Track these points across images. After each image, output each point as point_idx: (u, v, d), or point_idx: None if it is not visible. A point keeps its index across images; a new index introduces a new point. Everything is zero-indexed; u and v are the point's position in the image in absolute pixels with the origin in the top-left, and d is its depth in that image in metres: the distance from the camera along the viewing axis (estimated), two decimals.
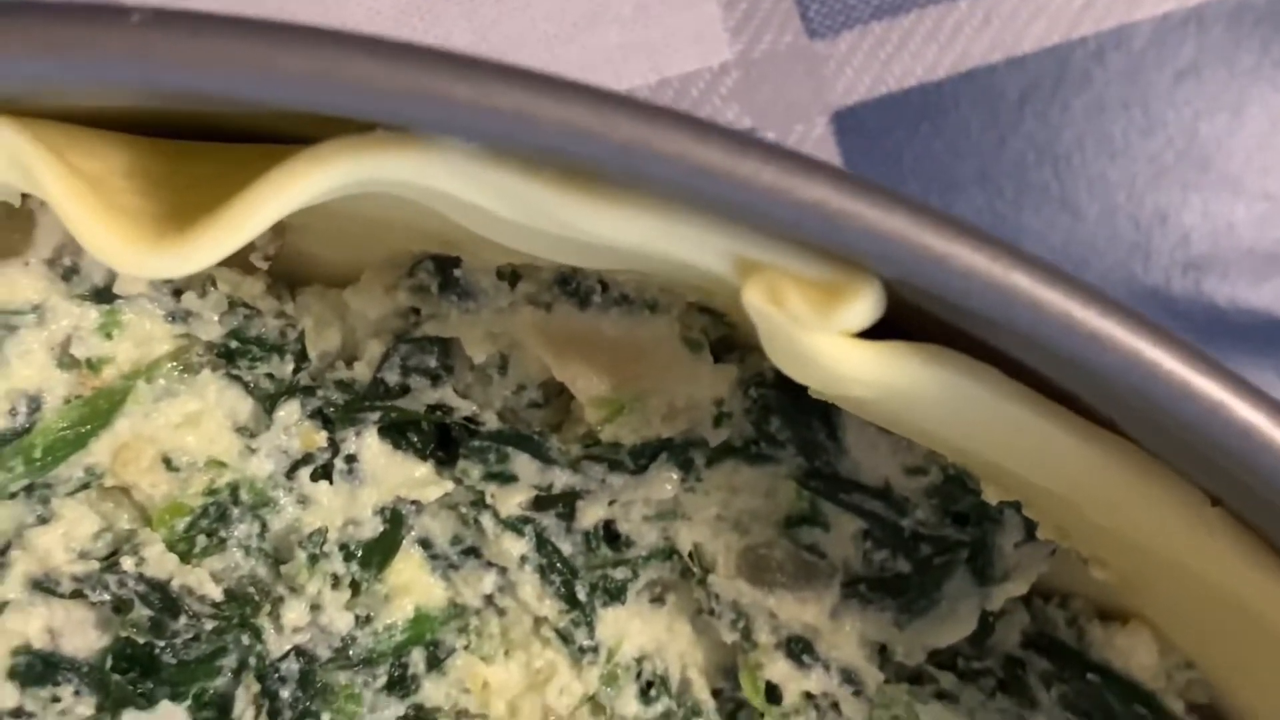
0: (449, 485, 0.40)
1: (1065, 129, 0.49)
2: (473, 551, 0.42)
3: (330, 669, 0.40)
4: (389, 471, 0.39)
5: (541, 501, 0.41)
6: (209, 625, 0.38)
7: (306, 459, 0.39)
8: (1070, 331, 0.29)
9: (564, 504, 0.41)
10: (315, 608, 0.40)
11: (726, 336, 0.41)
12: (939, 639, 0.43)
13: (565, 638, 0.42)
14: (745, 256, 0.31)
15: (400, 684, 0.41)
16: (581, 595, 0.42)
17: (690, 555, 0.42)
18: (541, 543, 0.41)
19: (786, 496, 0.42)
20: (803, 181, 0.28)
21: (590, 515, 0.41)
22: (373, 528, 0.40)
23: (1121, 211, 0.49)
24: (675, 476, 0.41)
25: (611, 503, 0.41)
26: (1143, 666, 0.42)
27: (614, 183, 0.30)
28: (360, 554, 0.40)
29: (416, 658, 0.41)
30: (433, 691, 0.41)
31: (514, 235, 0.33)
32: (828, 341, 0.31)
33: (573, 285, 0.39)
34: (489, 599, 0.42)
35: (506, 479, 0.41)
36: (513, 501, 0.41)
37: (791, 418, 0.41)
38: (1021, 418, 0.34)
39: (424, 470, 0.40)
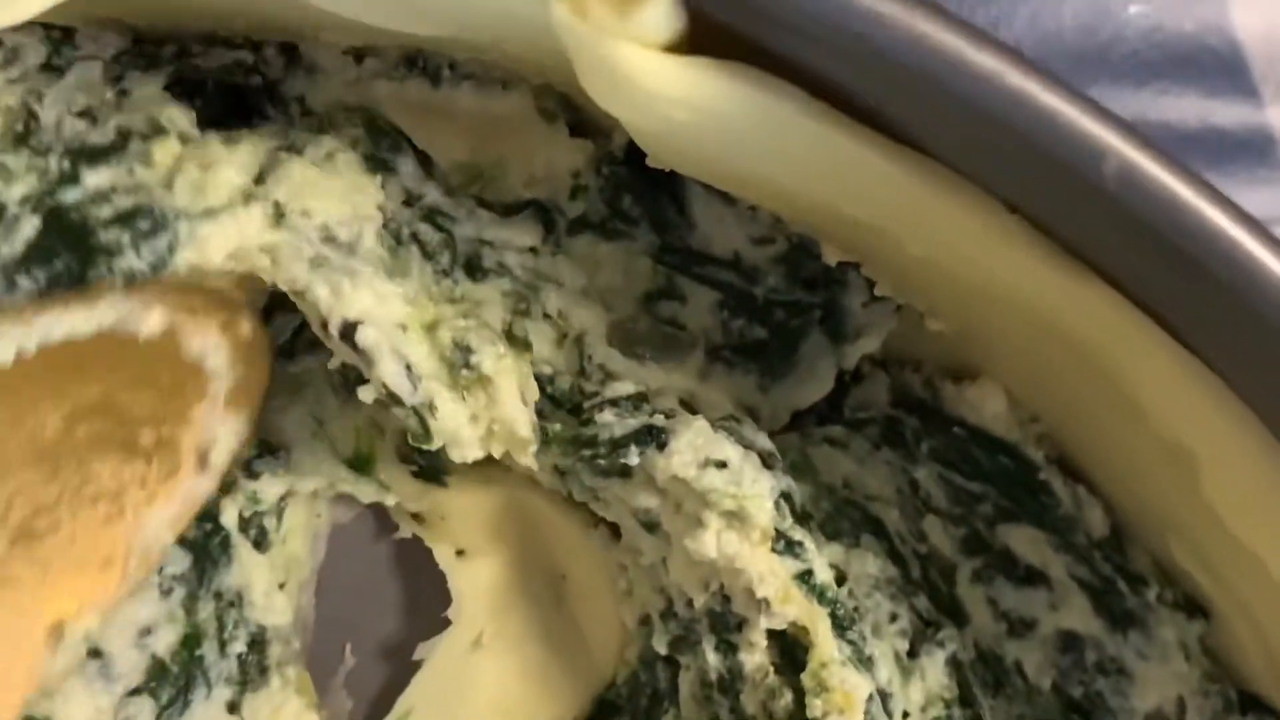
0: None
1: None
2: None
3: None
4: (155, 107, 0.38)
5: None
6: None
7: (84, 112, 0.38)
8: (848, 11, 0.29)
9: (428, 220, 0.41)
10: None
11: (579, 122, 0.41)
12: (800, 399, 0.44)
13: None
14: None
15: None
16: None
17: (559, 314, 0.42)
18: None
19: (644, 273, 0.42)
20: None
21: (461, 235, 0.41)
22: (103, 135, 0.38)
23: None
24: (539, 229, 0.41)
25: (485, 243, 0.41)
26: (995, 417, 0.43)
27: None
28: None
29: None
30: None
31: None
32: (634, 53, 0.32)
33: (420, 64, 0.39)
34: None
35: (388, 167, 0.40)
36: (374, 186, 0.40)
37: (642, 195, 0.42)
38: (826, 136, 0.34)
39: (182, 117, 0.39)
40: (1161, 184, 0.30)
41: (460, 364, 0.39)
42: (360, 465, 0.46)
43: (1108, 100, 0.51)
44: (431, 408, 0.39)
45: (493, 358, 0.39)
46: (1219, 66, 0.51)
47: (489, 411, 0.40)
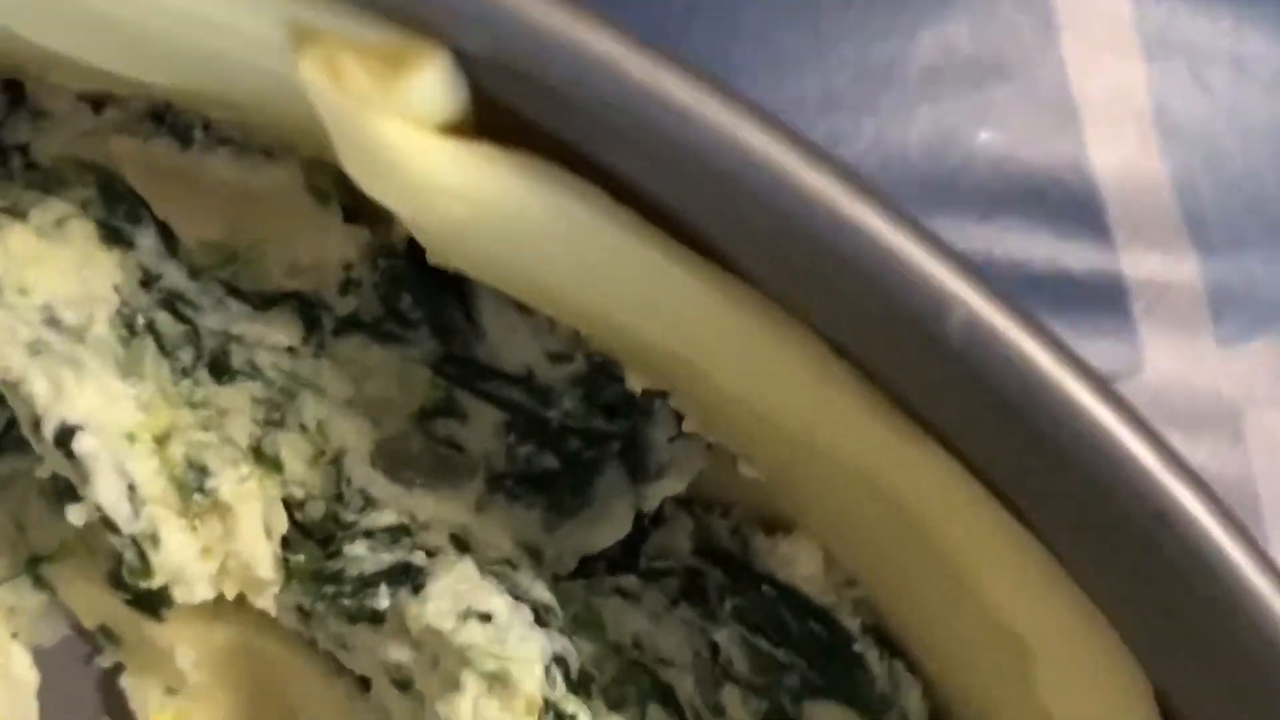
0: None
1: (733, 45, 0.44)
2: None
3: None
4: None
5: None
6: None
7: None
8: (661, 106, 0.24)
9: (168, 307, 0.35)
10: None
11: (356, 205, 0.35)
12: (591, 541, 0.38)
13: None
14: (301, 20, 0.25)
15: None
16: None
17: (317, 428, 0.36)
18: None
19: (420, 385, 0.37)
20: None
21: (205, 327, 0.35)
22: None
23: None
24: (300, 326, 0.35)
25: (234, 338, 0.35)
26: (807, 578, 0.38)
27: None
28: None
29: None
30: None
31: (56, 28, 0.27)
32: (400, 131, 0.25)
33: (168, 122, 0.33)
34: None
35: (123, 239, 0.34)
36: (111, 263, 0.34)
37: (424, 295, 0.36)
38: (630, 247, 0.28)
39: None
40: (1013, 344, 0.25)
41: (194, 486, 0.33)
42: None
43: (952, 232, 0.46)
44: (154, 539, 0.33)
45: (233, 481, 0.34)
46: (1071, 204, 0.47)
47: (224, 545, 0.34)
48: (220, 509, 0.33)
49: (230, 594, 0.34)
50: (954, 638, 0.35)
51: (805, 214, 0.25)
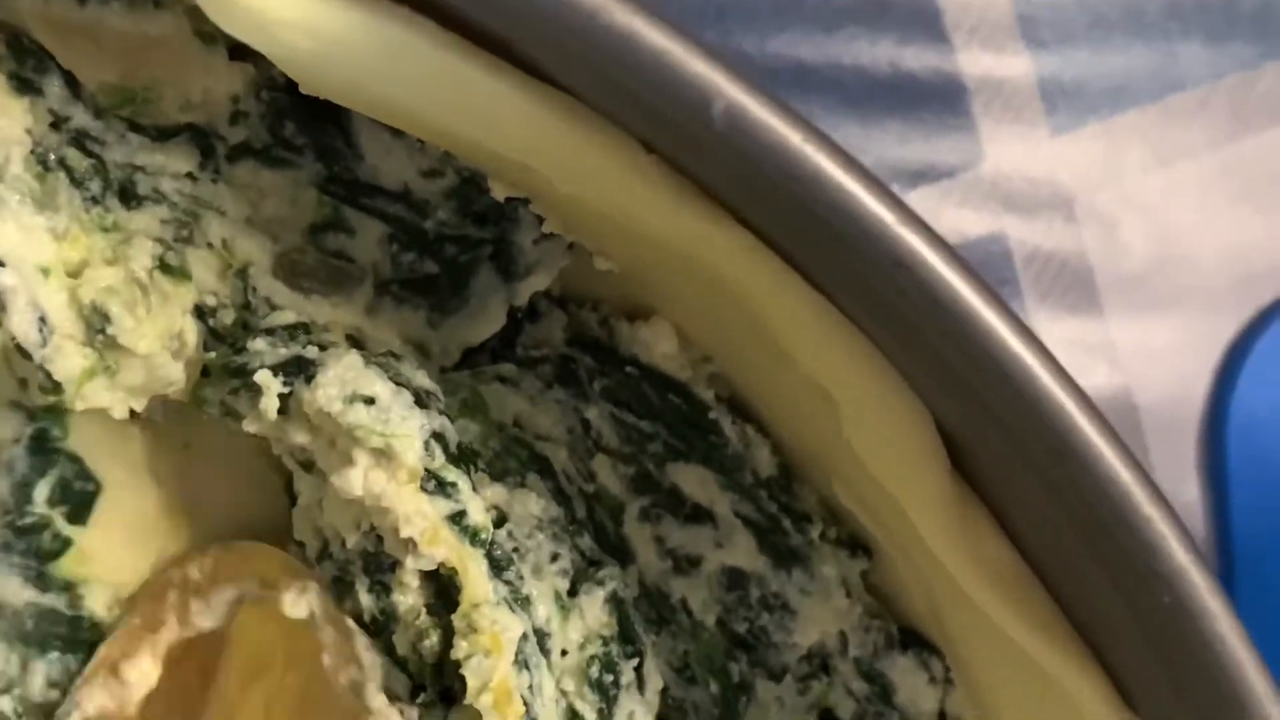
0: None
1: None
2: None
3: None
4: None
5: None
6: None
7: None
8: None
9: (77, 144, 0.38)
10: None
11: (241, 47, 0.39)
12: (471, 335, 0.42)
13: None
14: None
15: None
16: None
17: (223, 244, 0.40)
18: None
19: (309, 203, 0.40)
20: None
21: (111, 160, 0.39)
22: None
23: None
24: (196, 154, 0.39)
25: (138, 168, 0.39)
26: (665, 356, 0.42)
27: None
28: None
29: None
30: None
31: None
32: None
33: None
34: None
35: (34, 88, 0.38)
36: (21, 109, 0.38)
37: (306, 123, 0.40)
38: (457, 68, 0.33)
39: None
40: (768, 127, 0.29)
41: (97, 329, 0.38)
42: None
43: (799, 45, 0.51)
44: (61, 365, 0.38)
45: (130, 326, 0.38)
46: (912, 12, 0.51)
47: (126, 377, 0.39)
48: (120, 349, 0.38)
49: (139, 408, 0.39)
50: (788, 399, 0.40)
51: (587, 27, 0.29)
